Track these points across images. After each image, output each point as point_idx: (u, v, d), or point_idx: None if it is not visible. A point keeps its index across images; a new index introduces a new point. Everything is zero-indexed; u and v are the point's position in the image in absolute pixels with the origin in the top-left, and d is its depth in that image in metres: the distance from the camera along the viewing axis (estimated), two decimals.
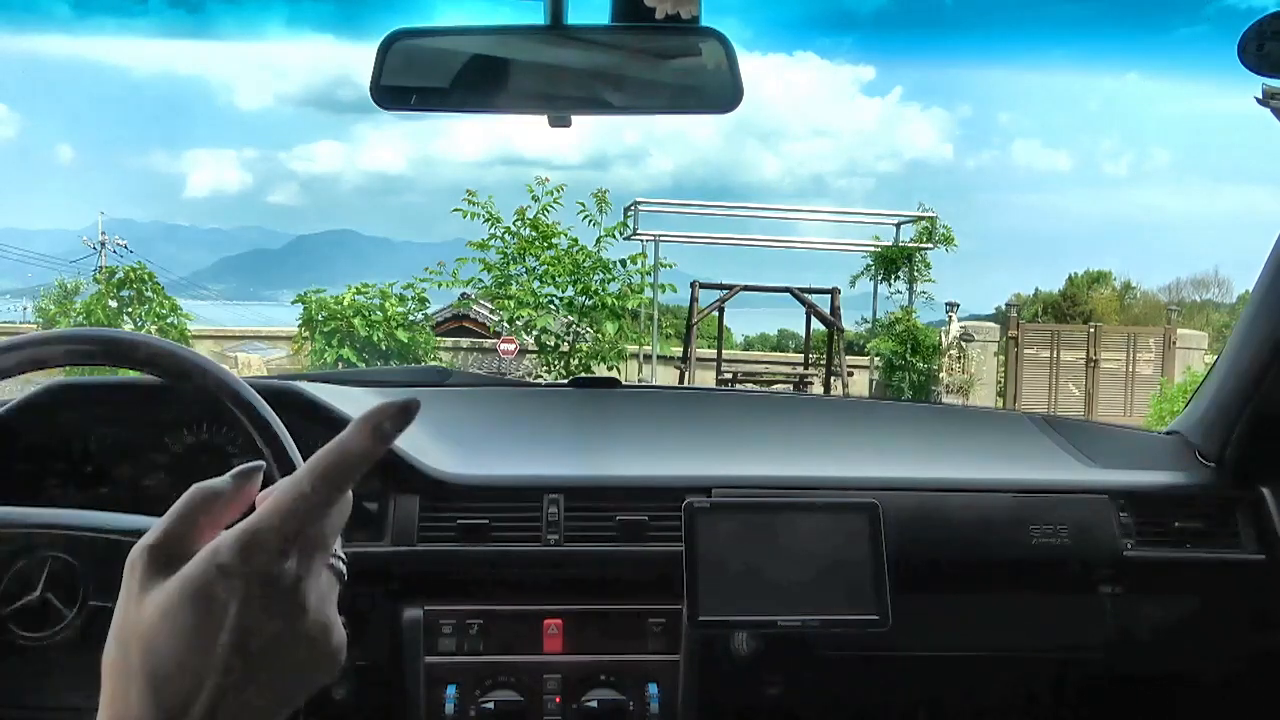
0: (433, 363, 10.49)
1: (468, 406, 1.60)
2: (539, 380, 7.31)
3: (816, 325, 11.87)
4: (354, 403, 1.33)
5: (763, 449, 1.54)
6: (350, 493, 0.44)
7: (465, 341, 12.46)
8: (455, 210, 10.75)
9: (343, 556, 0.48)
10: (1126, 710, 1.49)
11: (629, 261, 11.02)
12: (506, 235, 10.87)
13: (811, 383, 11.57)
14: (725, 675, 1.29)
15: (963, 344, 11.31)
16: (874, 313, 12.28)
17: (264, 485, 0.48)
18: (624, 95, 1.08)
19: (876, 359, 11.58)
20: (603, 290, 10.86)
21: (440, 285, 11.38)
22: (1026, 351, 11.56)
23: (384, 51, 1.02)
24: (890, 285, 11.72)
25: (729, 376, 11.56)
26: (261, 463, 0.48)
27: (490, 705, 1.21)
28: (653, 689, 1.24)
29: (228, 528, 0.43)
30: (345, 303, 10.99)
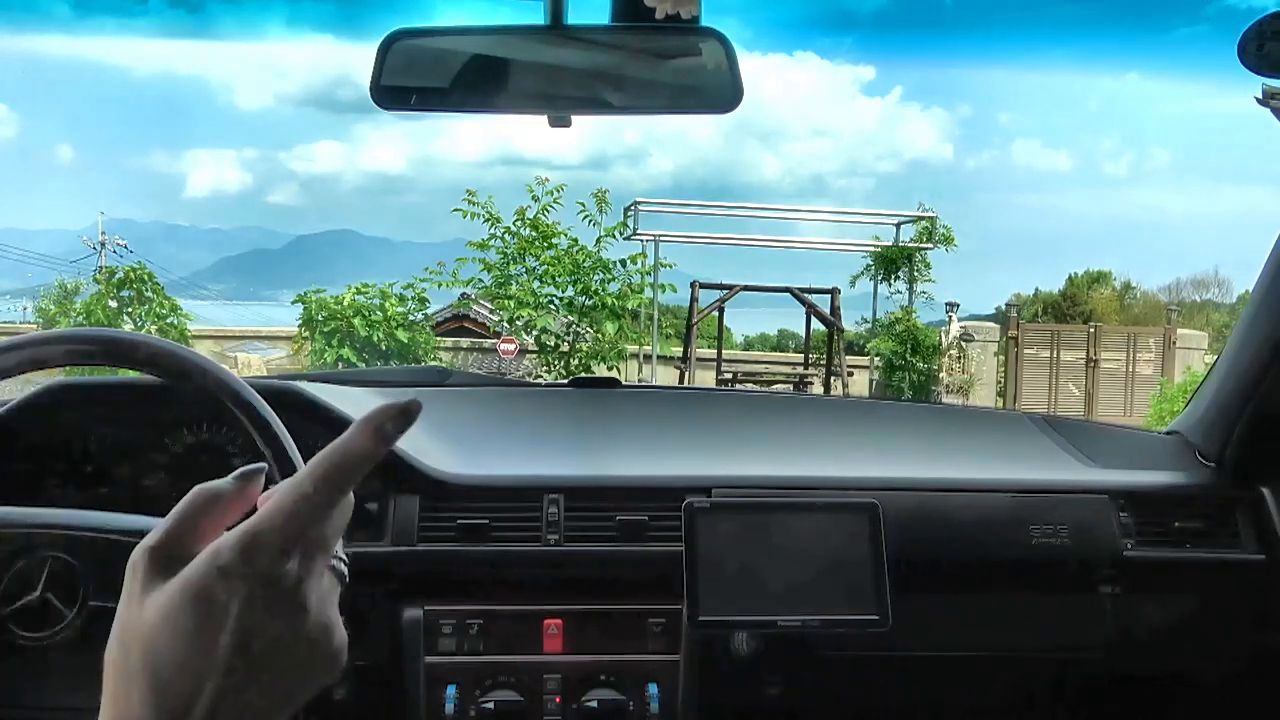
0: (433, 363, 10.49)
1: (468, 406, 1.60)
2: (539, 380, 7.31)
3: (816, 325, 11.87)
4: (354, 403, 1.33)
5: (763, 449, 1.54)
6: (351, 494, 0.44)
7: (465, 341, 12.46)
8: (455, 210, 10.75)
9: (344, 558, 0.48)
10: (1126, 710, 1.49)
11: (629, 261, 11.03)
12: (506, 235, 10.87)
13: (811, 383, 11.57)
14: (725, 675, 1.29)
15: (963, 344, 11.31)
16: (874, 313, 12.29)
17: (265, 486, 0.48)
18: (624, 95, 1.08)
19: (876, 359, 11.58)
20: (603, 290, 10.86)
21: (440, 285, 11.39)
22: (1026, 351, 11.56)
23: (384, 51, 1.02)
24: (890, 285, 11.74)
25: (729, 376, 11.56)
26: (264, 465, 0.48)
27: (490, 705, 1.21)
28: (653, 689, 1.24)
29: (229, 529, 0.43)
30: (345, 303, 10.99)
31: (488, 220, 10.76)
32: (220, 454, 1.32)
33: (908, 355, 11.11)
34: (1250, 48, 1.13)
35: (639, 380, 10.80)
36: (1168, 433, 1.59)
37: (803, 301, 11.51)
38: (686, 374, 11.23)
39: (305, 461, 0.88)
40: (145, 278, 12.51)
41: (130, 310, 12.19)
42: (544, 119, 1.06)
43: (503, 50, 1.05)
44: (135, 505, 1.05)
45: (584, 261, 10.87)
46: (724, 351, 12.76)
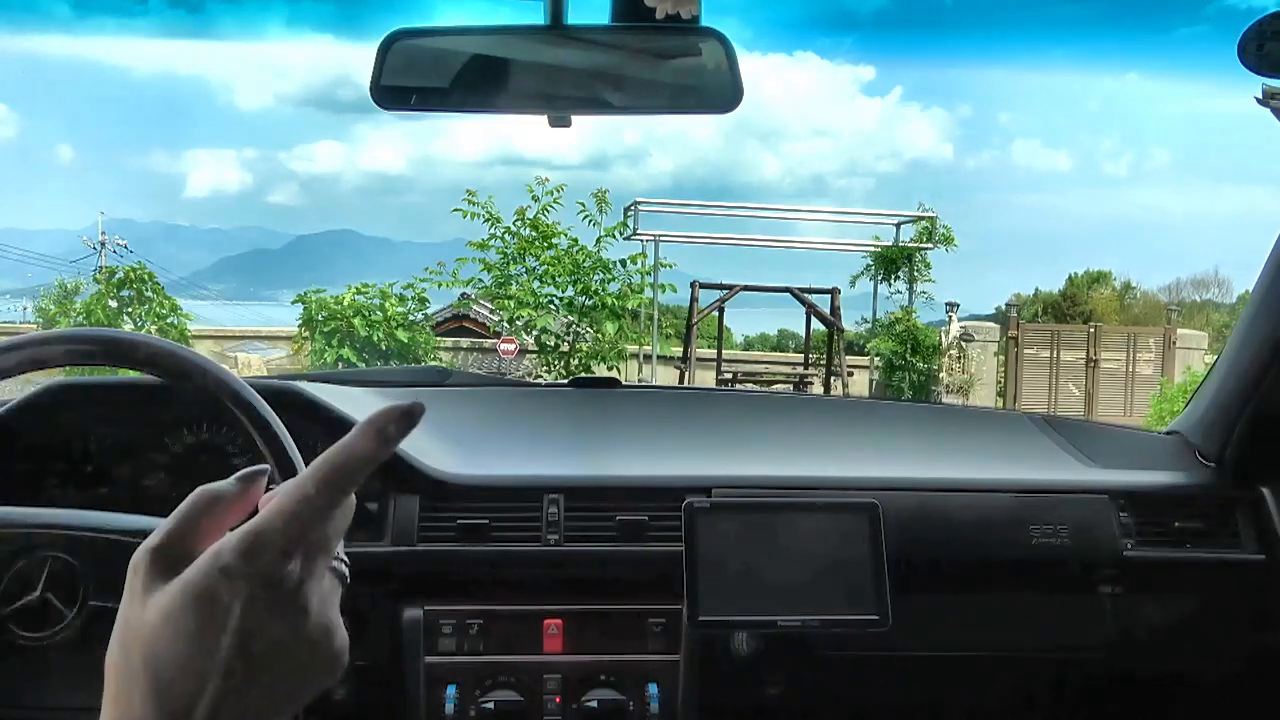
0: (433, 363, 10.49)
1: (468, 406, 1.60)
2: (539, 380, 7.31)
3: (816, 325, 11.87)
4: (354, 403, 1.33)
5: (763, 449, 1.54)
6: (353, 495, 0.44)
7: (465, 341, 12.46)
8: (455, 210, 10.75)
9: (345, 559, 0.48)
10: (1126, 710, 1.49)
11: (629, 261, 11.03)
12: (506, 235, 10.87)
13: (811, 383, 11.57)
14: (725, 675, 1.29)
15: (963, 344, 11.31)
16: (874, 313, 12.29)
17: (266, 488, 0.48)
18: (624, 95, 1.08)
19: (876, 359, 11.58)
20: (603, 290, 10.86)
21: (440, 285, 11.39)
22: (1026, 351, 11.56)
23: (384, 51, 1.02)
24: (890, 285, 11.74)
25: (729, 376, 11.56)
26: (266, 466, 0.48)
27: (490, 705, 1.21)
28: (653, 689, 1.24)
29: (231, 530, 0.43)
30: (345, 303, 10.99)
31: (488, 220, 10.77)
32: (220, 454, 1.32)
33: (908, 355, 11.11)
34: (1250, 48, 1.13)
35: (639, 380, 10.80)
36: (1168, 433, 1.59)
37: (803, 301, 11.51)
38: (686, 374, 11.23)
39: (305, 462, 0.88)
40: (145, 278, 12.51)
41: (130, 310, 12.19)
42: (544, 119, 1.06)
43: (503, 50, 1.05)
44: (135, 505, 1.05)
45: (584, 261, 10.87)
46: (724, 351, 12.76)
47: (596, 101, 1.08)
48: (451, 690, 1.22)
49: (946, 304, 11.82)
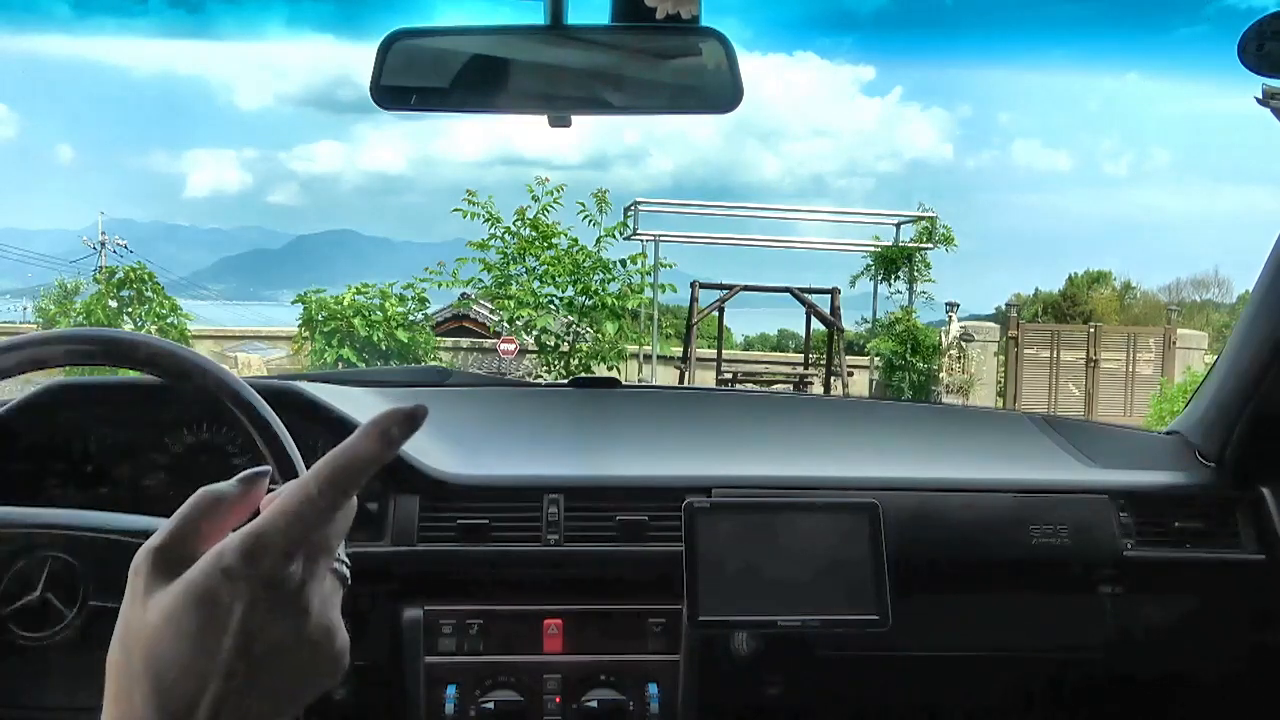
0: (433, 363, 10.49)
1: (468, 406, 1.60)
2: (539, 380, 7.31)
3: (816, 325, 11.87)
4: (354, 403, 1.33)
5: (763, 449, 1.54)
6: (354, 497, 0.44)
7: (465, 341, 12.46)
8: (455, 210, 10.75)
9: (346, 561, 0.48)
10: (1126, 710, 1.49)
11: (629, 261, 11.03)
12: (506, 235, 10.87)
13: (811, 383, 11.57)
14: (725, 675, 1.29)
15: (963, 344, 11.31)
16: (874, 313, 12.29)
17: (267, 488, 0.48)
18: (624, 95, 1.08)
19: (876, 359, 11.58)
20: (603, 290, 10.86)
21: (440, 285, 11.39)
22: (1026, 351, 11.56)
23: (384, 51, 1.02)
24: (890, 285, 11.74)
25: (729, 376, 11.56)
26: (267, 468, 0.48)
27: (490, 705, 1.21)
28: (653, 689, 1.24)
29: (233, 531, 0.43)
30: (345, 303, 10.99)
31: (488, 220, 10.77)
32: (220, 454, 1.32)
33: (908, 355, 11.11)
34: (1250, 48, 1.13)
35: (639, 380, 10.80)
36: (1168, 433, 1.59)
37: (803, 301, 11.51)
38: (686, 374, 11.23)
39: (306, 462, 0.88)
40: (145, 278, 12.52)
41: (130, 310, 12.19)
42: (544, 119, 1.06)
43: (503, 50, 1.05)
44: (135, 505, 1.05)
45: (584, 261, 10.87)
46: (724, 351, 12.76)
47: (596, 101, 1.08)
48: (451, 690, 1.22)
49: (946, 304, 11.82)
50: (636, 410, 1.70)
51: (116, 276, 12.79)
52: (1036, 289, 31.44)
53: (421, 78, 1.07)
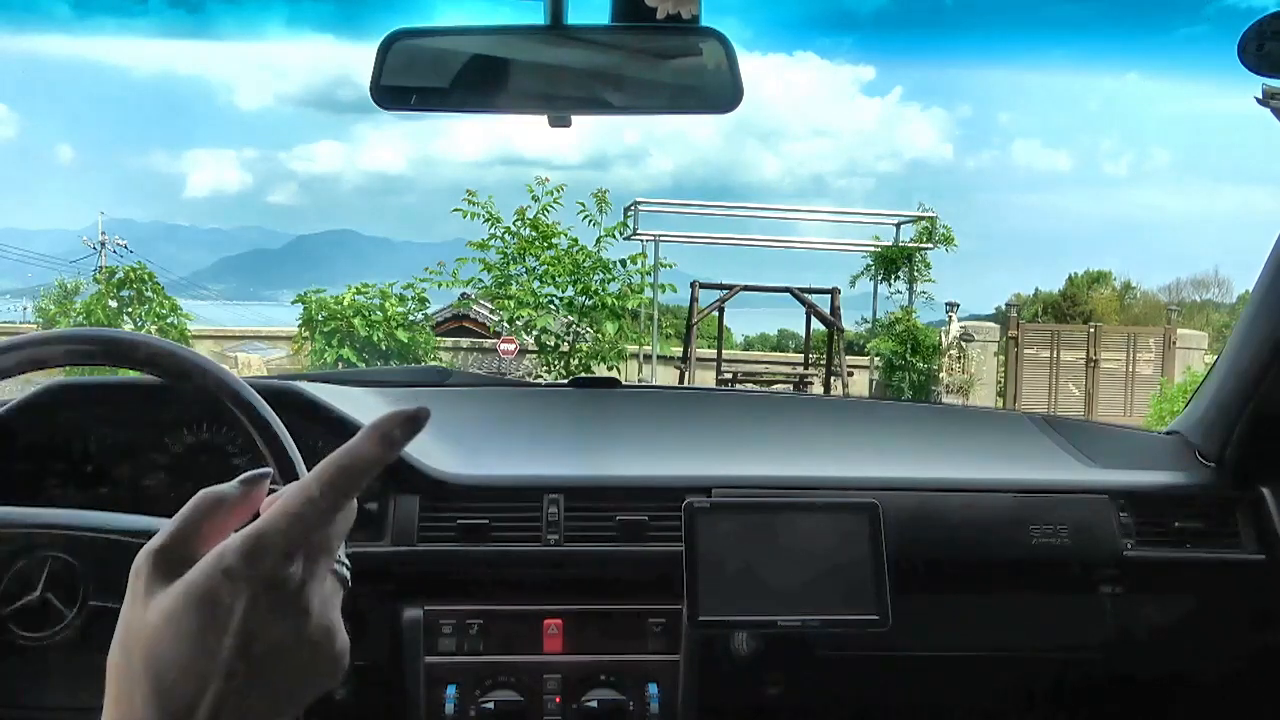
0: (433, 363, 10.49)
1: (468, 406, 1.60)
2: (539, 380, 7.31)
3: (816, 325, 11.87)
4: (354, 403, 1.33)
5: (763, 449, 1.54)
6: (354, 498, 0.44)
7: (465, 341, 12.46)
8: (455, 210, 10.75)
9: (346, 562, 0.48)
10: (1126, 710, 1.49)
11: (629, 261, 11.03)
12: (506, 235, 10.87)
13: (811, 383, 11.57)
14: (725, 675, 1.29)
15: (963, 344, 11.31)
16: (874, 313, 12.29)
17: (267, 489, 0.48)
18: (624, 95, 1.08)
19: (876, 359, 11.58)
20: (603, 290, 10.86)
21: (440, 285, 11.39)
22: (1026, 351, 11.56)
23: (384, 51, 1.02)
24: (890, 285, 11.74)
25: (729, 376, 11.56)
26: (268, 470, 0.48)
27: (490, 705, 1.21)
28: (653, 689, 1.24)
29: (235, 532, 0.43)
30: (345, 303, 10.99)
31: (488, 220, 10.77)
32: (220, 454, 1.32)
33: (908, 355, 11.11)
34: (1250, 48, 1.13)
35: (639, 380, 10.80)
36: (1168, 433, 1.59)
37: (803, 301, 11.51)
38: (686, 374, 11.23)
39: (306, 462, 0.88)
40: (145, 278, 12.52)
41: (130, 310, 12.19)
42: (544, 119, 1.06)
43: (503, 50, 1.05)
44: (135, 505, 1.05)
45: (584, 261, 10.87)
46: (724, 351, 12.76)
47: (596, 101, 1.08)
48: (451, 690, 1.22)
49: (946, 304, 11.82)
50: (636, 410, 1.70)
51: (116, 276, 12.79)
52: (1036, 289, 31.46)
53: (421, 78, 1.07)
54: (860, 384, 11.95)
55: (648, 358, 11.41)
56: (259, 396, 0.91)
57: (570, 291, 10.88)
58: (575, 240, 10.93)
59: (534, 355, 11.20)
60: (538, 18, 0.98)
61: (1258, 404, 1.36)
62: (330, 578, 0.45)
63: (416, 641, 1.23)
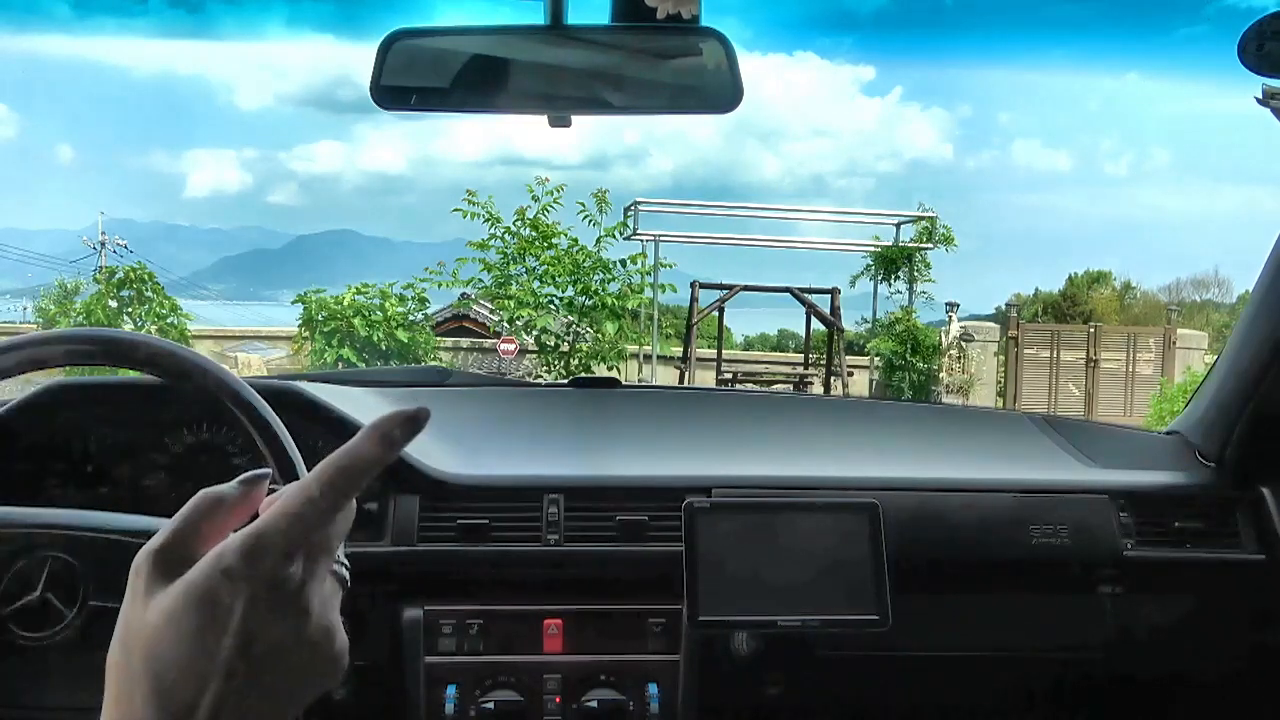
0: (433, 363, 10.49)
1: (468, 406, 1.60)
2: (539, 380, 7.31)
3: (816, 325, 11.87)
4: (354, 403, 1.33)
5: (763, 449, 1.54)
6: (354, 498, 0.44)
7: (465, 341, 12.46)
8: (455, 210, 10.76)
9: (345, 563, 0.48)
10: (1126, 710, 1.49)
11: (629, 261, 11.03)
12: (506, 235, 10.87)
13: (811, 383, 11.57)
14: (725, 675, 1.29)
15: (963, 344, 11.31)
16: (874, 313, 12.29)
17: (267, 489, 0.48)
18: (624, 95, 1.08)
19: (876, 359, 11.58)
20: (603, 290, 10.87)
21: (440, 285, 11.39)
22: (1026, 351, 11.57)
23: (384, 51, 1.02)
24: (890, 285, 11.74)
25: (729, 376, 11.56)
26: (267, 470, 0.48)
27: (490, 705, 1.21)
28: (653, 689, 1.24)
29: (234, 532, 0.43)
30: (345, 303, 10.99)
31: (488, 220, 10.77)
32: (220, 454, 1.32)
33: (908, 355, 11.11)
34: (1250, 48, 1.13)
35: (639, 380, 10.80)
36: (1168, 433, 1.59)
37: (803, 301, 11.51)
38: (686, 374, 11.23)
39: (305, 461, 0.88)
40: (145, 278, 12.52)
41: (130, 310, 12.19)
42: (544, 119, 1.06)
43: (503, 50, 1.05)
44: (135, 505, 1.05)
45: (584, 261, 10.87)
46: (724, 351, 12.76)
47: (596, 101, 1.08)
48: (451, 690, 1.22)
49: (946, 304, 11.82)
50: (636, 410, 1.70)
51: (116, 276, 12.79)
52: (1036, 289, 31.46)
53: (421, 78, 1.07)
54: (860, 384, 11.95)
55: (648, 358, 11.41)
56: (259, 396, 0.91)
57: (570, 291, 10.88)
58: (575, 240, 10.93)
59: (534, 355, 11.20)
60: (538, 18, 0.98)
61: (1258, 404, 1.36)
62: (330, 578, 0.45)
63: (416, 641, 1.23)
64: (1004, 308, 12.91)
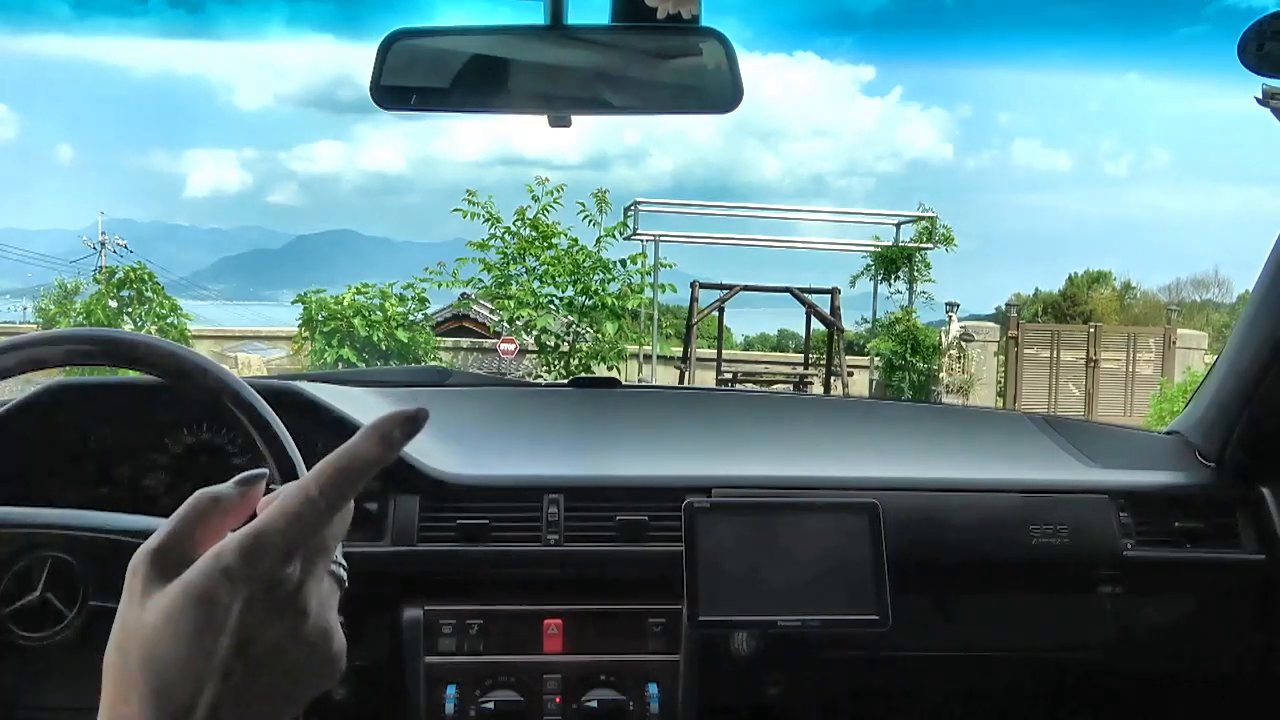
0: (433, 363, 10.49)
1: (468, 406, 1.60)
2: (539, 380, 7.31)
3: (816, 325, 11.87)
4: (354, 403, 1.33)
5: (763, 449, 1.54)
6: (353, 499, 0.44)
7: (465, 341, 12.46)
8: (455, 210, 10.76)
9: (344, 563, 0.48)
10: (1126, 710, 1.49)
11: (629, 261, 11.03)
12: (506, 235, 10.87)
13: (811, 383, 11.57)
14: (725, 675, 1.29)
15: (963, 344, 11.31)
16: (874, 313, 12.29)
17: (266, 489, 0.48)
18: (624, 95, 1.08)
19: (876, 359, 11.58)
20: (603, 290, 10.86)
21: (440, 285, 11.39)
22: (1026, 351, 11.57)
23: (384, 51, 1.02)
24: (890, 285, 11.74)
25: (729, 376, 11.56)
26: (265, 470, 0.48)
27: (490, 705, 1.21)
28: (653, 689, 1.24)
29: (232, 532, 0.43)
30: (345, 303, 10.99)
31: (488, 220, 10.77)
32: (220, 454, 1.32)
33: (908, 355, 11.11)
34: (1250, 48, 1.13)
35: (639, 380, 10.80)
36: (1168, 433, 1.59)
37: (803, 301, 11.51)
38: (686, 374, 11.23)
39: (305, 461, 0.88)
40: (145, 278, 12.51)
41: (130, 310, 12.19)
42: (544, 119, 1.06)
43: (503, 50, 1.05)
44: (135, 505, 1.05)
45: (584, 261, 10.87)
46: (724, 351, 12.76)
47: (596, 101, 1.08)
48: (451, 690, 1.21)
49: (946, 304, 11.82)
50: (636, 410, 1.70)
51: (116, 276, 12.79)
52: (1036, 289, 31.45)
53: (421, 78, 1.07)
54: (860, 384, 11.95)
55: (648, 358, 11.41)
56: (259, 396, 0.91)
57: (570, 291, 10.88)
58: (575, 240, 10.93)
59: (534, 355, 11.20)
60: (538, 18, 0.98)
61: (1258, 404, 1.36)
62: (328, 578, 0.45)
63: (416, 641, 1.23)
64: (1004, 308, 12.91)
